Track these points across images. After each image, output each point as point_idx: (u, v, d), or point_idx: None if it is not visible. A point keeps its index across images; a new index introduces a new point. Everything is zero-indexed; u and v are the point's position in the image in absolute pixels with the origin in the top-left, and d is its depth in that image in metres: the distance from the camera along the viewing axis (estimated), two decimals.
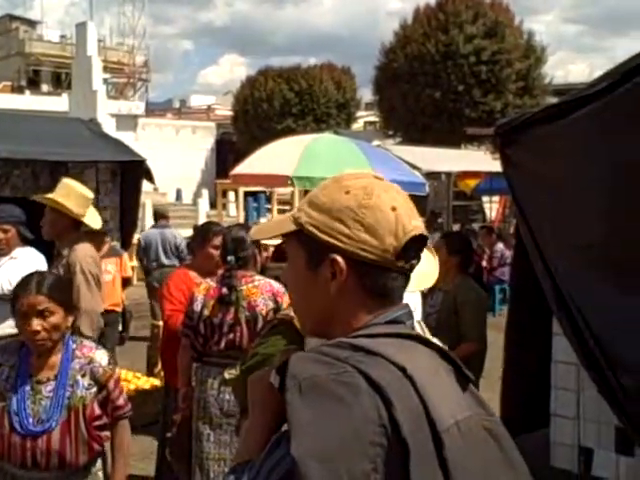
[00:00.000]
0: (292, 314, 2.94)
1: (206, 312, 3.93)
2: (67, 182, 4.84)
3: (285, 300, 3.97)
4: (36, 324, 2.68)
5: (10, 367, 2.79)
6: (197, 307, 3.95)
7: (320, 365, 1.20)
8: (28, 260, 5.01)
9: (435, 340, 1.42)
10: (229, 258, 3.98)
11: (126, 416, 3.06)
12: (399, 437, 1.14)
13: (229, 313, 3.93)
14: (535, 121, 3.13)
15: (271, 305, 3.96)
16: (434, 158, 15.49)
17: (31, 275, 2.85)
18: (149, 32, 39.73)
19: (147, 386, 6.54)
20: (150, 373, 7.01)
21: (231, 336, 3.94)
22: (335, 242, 1.32)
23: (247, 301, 3.94)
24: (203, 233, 4.83)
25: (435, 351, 1.31)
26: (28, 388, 2.75)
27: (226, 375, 3.87)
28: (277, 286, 4.05)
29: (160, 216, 9.61)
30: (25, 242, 5.02)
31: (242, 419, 3.05)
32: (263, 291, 3.99)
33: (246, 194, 19.17)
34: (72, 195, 4.65)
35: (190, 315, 3.98)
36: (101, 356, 2.87)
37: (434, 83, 26.24)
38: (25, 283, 2.78)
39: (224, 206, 20.89)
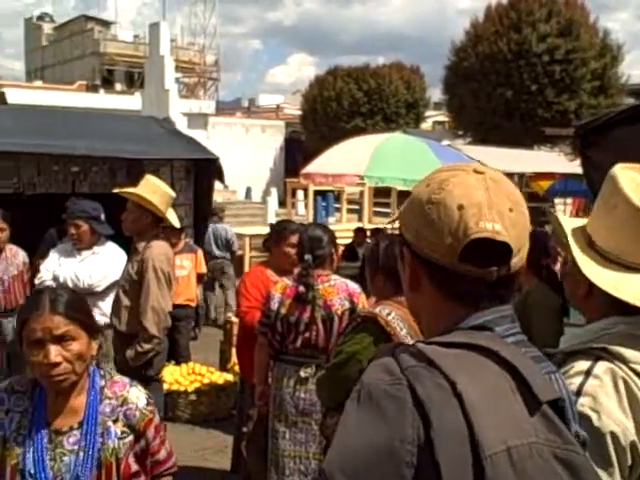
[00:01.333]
0: (375, 311, 2.93)
1: (283, 310, 3.93)
2: (152, 179, 4.85)
3: (361, 300, 3.98)
4: (55, 354, 2.06)
5: (21, 414, 2.17)
6: (274, 305, 3.96)
7: (383, 374, 1.17)
8: (109, 255, 5.13)
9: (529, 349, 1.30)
10: (306, 257, 3.98)
11: (170, 473, 2.40)
12: (433, 459, 1.08)
13: (305, 312, 3.93)
14: (616, 122, 3.04)
15: (347, 305, 3.95)
16: (506, 158, 15.24)
17: (41, 292, 2.21)
18: (219, 32, 40.13)
19: (221, 381, 6.60)
20: (223, 368, 7.07)
21: (307, 335, 3.94)
22: (408, 236, 1.30)
23: (323, 300, 3.94)
24: (279, 231, 4.84)
25: (506, 369, 1.19)
26: (45, 440, 2.13)
27: (302, 374, 3.89)
28: (353, 286, 4.03)
29: (214, 213, 9.94)
30: (107, 238, 5.13)
31: (327, 417, 3.06)
32: (339, 291, 3.98)
33: (315, 193, 19.21)
34: (158, 192, 4.67)
35: (267, 313, 3.99)
36: (137, 395, 2.26)
37: (506, 82, 25.86)
38: (35, 302, 2.14)
39: (293, 205, 21.01)
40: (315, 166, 9.11)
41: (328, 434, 3.03)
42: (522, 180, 15.49)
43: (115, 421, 2.19)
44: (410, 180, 7.95)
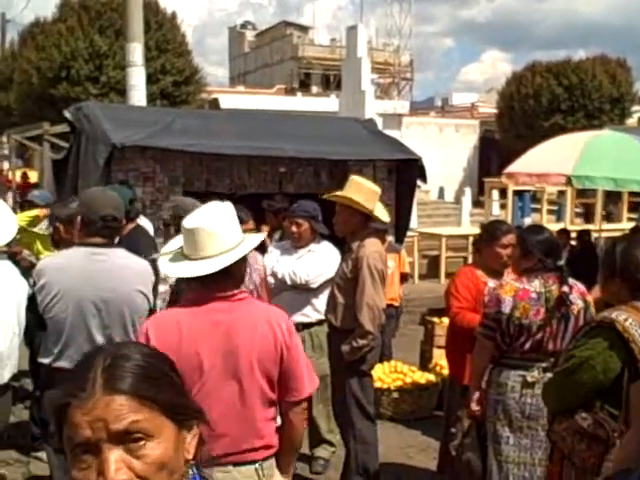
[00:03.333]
0: (612, 316, 2.82)
1: (517, 313, 3.88)
2: (356, 179, 4.98)
3: (589, 300, 3.98)
4: (116, 466, 1.16)
5: None
6: (505, 309, 3.90)
7: None
8: (325, 253, 5.31)
9: None
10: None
11: None
12: None
13: (539, 314, 3.88)
14: None
15: (581, 304, 3.93)
16: None
17: (92, 355, 1.29)
18: (413, 32, 40.21)
19: (423, 380, 6.62)
20: (424, 367, 7.09)
21: (538, 337, 3.89)
22: None
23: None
24: (491, 232, 4.79)
25: None
26: None
27: (528, 378, 3.83)
28: (580, 285, 4.04)
29: None
30: (322, 237, 5.31)
31: (555, 423, 2.98)
32: (572, 291, 3.94)
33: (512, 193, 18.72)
34: (362, 191, 4.78)
35: (496, 317, 3.94)
36: None
37: None
38: (79, 373, 1.26)
39: (488, 205, 20.60)
40: (518, 165, 8.88)
41: (555, 440, 2.96)
42: None
43: None
44: (622, 180, 7.54)
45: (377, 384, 6.43)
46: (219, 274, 2.64)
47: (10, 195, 18.39)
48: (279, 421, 2.91)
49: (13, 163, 18.57)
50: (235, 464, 2.72)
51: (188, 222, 2.71)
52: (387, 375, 6.67)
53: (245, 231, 2.87)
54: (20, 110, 23.67)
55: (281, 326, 2.76)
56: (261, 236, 2.96)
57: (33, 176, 19.07)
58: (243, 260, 2.75)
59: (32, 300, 3.62)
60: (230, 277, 2.70)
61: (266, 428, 2.80)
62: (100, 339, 3.59)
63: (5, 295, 3.44)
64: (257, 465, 2.77)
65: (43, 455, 5.46)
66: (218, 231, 2.66)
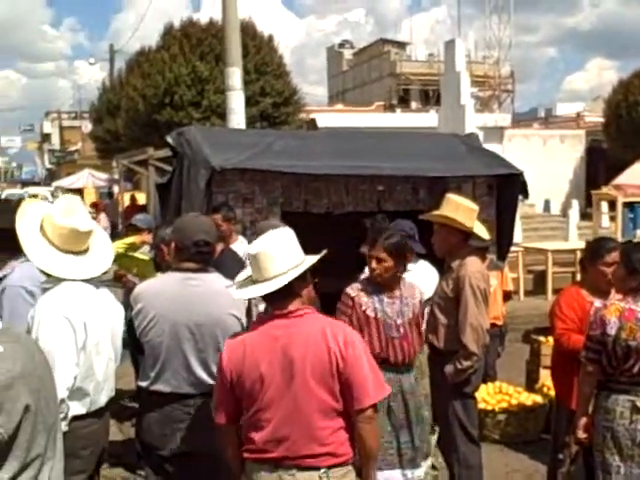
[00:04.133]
0: None
1: (623, 335, 3.70)
2: (452, 197, 4.91)
3: None
4: None
5: None
6: (611, 330, 3.72)
7: None
8: (422, 273, 5.22)
9: None
10: None
11: None
12: None
13: None
14: None
15: None
16: None
17: None
18: (514, 42, 39.39)
19: (529, 402, 6.40)
20: (530, 389, 6.85)
21: None
22: None
23: None
24: (595, 249, 4.60)
25: None
26: None
27: (638, 403, 3.63)
28: None
29: None
30: (419, 256, 5.22)
31: None
32: None
33: (622, 205, 18.00)
34: (460, 209, 4.71)
35: (601, 339, 3.76)
36: None
37: None
38: None
39: (597, 217, 19.88)
40: (627, 176, 8.54)
41: None
42: None
43: None
44: None
45: (481, 405, 6.26)
46: (278, 294, 2.95)
47: (103, 217, 19.13)
48: None
49: (122, 187, 19.30)
50: (299, 468, 2.94)
51: (251, 248, 3.06)
52: (492, 396, 6.48)
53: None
54: (128, 135, 24.64)
55: (337, 339, 2.95)
56: (314, 258, 3.11)
57: (141, 198, 19.77)
58: (303, 280, 3.01)
59: (131, 324, 3.70)
60: (289, 296, 2.98)
61: (330, 437, 2.97)
62: (195, 363, 3.64)
63: (102, 322, 3.52)
64: (321, 472, 2.94)
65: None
66: (275, 255, 2.96)
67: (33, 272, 3.55)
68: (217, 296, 3.67)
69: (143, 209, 16.32)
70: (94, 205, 20.36)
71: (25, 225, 3.43)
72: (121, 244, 6.08)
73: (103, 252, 3.63)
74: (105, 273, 3.71)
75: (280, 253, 2.97)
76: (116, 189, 24.63)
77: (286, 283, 2.93)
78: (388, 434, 4.19)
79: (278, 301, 3.00)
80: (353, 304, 4.30)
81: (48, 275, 3.44)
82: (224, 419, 3.10)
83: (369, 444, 3.03)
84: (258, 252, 3.00)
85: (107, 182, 27.84)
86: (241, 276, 3.27)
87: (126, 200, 20.82)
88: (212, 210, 6.19)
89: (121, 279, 6.03)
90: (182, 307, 3.63)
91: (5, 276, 3.97)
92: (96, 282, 3.61)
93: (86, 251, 3.50)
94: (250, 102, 16.58)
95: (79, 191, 30.05)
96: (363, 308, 4.27)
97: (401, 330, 4.27)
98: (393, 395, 4.09)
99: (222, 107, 20.38)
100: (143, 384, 3.77)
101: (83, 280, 3.46)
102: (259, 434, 2.98)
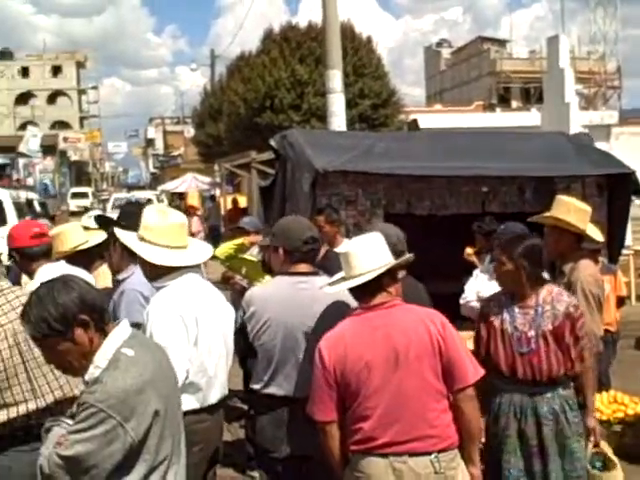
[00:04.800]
0: None
1: None
2: (563, 198, 4.78)
3: None
4: None
5: None
6: None
7: None
8: None
9: None
10: None
11: None
12: None
13: None
14: None
15: None
16: None
17: None
18: (620, 36, 38.08)
19: None
20: None
21: None
22: None
23: None
24: None
25: None
26: None
27: None
28: None
29: None
30: None
31: None
32: None
33: None
34: (572, 210, 4.57)
35: None
36: None
37: None
38: None
39: None
40: None
41: None
42: None
43: None
44: None
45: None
46: (367, 289, 3.17)
47: (195, 220, 19.42)
48: None
49: (224, 190, 19.66)
50: (410, 454, 3.02)
51: (341, 248, 3.43)
52: (606, 406, 6.22)
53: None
54: (229, 139, 25.15)
55: (434, 322, 3.13)
56: (405, 257, 3.45)
57: (242, 201, 20.10)
58: (392, 278, 3.23)
59: (243, 328, 3.75)
60: (378, 291, 3.18)
61: (437, 419, 3.07)
62: (308, 367, 3.65)
63: (214, 318, 3.60)
64: (432, 457, 3.02)
65: (257, 474, 5.66)
66: (362, 254, 3.20)
67: None
68: (327, 299, 3.67)
69: (245, 212, 16.59)
70: (187, 210, 20.72)
71: (127, 235, 3.62)
72: (231, 245, 6.17)
73: (201, 245, 3.79)
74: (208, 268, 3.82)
75: (367, 253, 3.20)
76: (217, 192, 25.18)
77: (373, 278, 3.13)
78: (517, 459, 3.89)
79: (367, 296, 3.20)
80: (481, 314, 4.15)
81: (157, 276, 3.53)
82: (328, 416, 3.15)
83: (473, 424, 3.12)
84: (347, 251, 3.27)
85: (210, 185, 28.52)
86: (336, 276, 3.45)
87: (228, 203, 21.24)
88: (316, 212, 6.21)
89: (229, 281, 6.12)
90: (294, 311, 3.66)
91: (125, 279, 4.11)
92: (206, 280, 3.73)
93: (186, 246, 3.60)
94: (349, 104, 16.60)
95: (181, 195, 30.90)
96: (491, 319, 4.01)
97: (532, 344, 3.87)
98: (524, 417, 3.86)
99: (322, 110, 20.52)
100: (256, 387, 3.80)
101: (193, 271, 3.58)
102: (367, 423, 3.05)
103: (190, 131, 48.00)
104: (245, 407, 6.15)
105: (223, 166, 19.21)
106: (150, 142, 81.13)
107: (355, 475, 3.09)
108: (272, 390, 3.71)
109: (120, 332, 2.44)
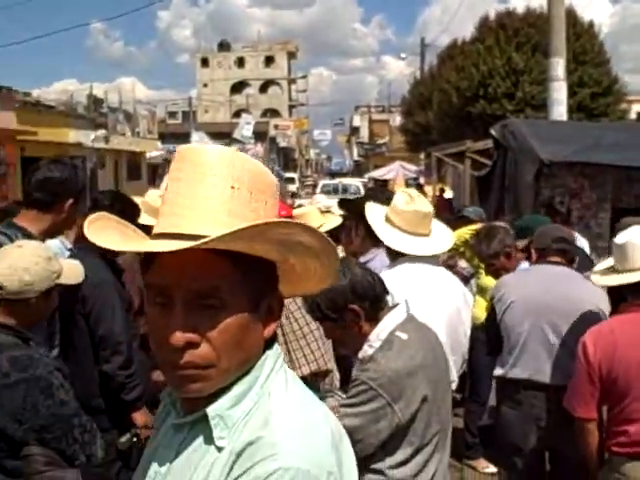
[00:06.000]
0: None
1: None
2: None
3: None
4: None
5: None
6: None
7: None
8: None
9: None
10: None
11: None
12: None
13: None
14: None
15: None
16: None
17: None
18: None
19: None
20: None
21: None
22: None
23: None
24: None
25: None
26: None
27: None
28: None
29: None
30: None
31: None
32: None
33: None
34: None
35: None
36: None
37: None
38: None
39: None
40: None
41: None
42: None
43: None
44: None
45: None
46: None
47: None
48: None
49: (434, 179, 19.60)
50: None
51: (618, 238, 3.12)
52: None
53: None
54: (438, 128, 24.99)
55: None
56: None
57: (448, 191, 19.94)
58: None
59: (492, 310, 3.81)
60: None
61: None
62: (557, 350, 3.58)
63: (437, 301, 3.51)
64: None
65: (476, 464, 5.62)
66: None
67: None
68: (580, 286, 3.63)
69: (450, 203, 16.48)
70: None
71: (374, 217, 3.65)
72: (467, 230, 6.11)
73: (444, 234, 3.73)
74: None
75: None
76: (421, 181, 25.14)
77: None
78: None
79: None
80: None
81: (395, 258, 3.58)
82: (590, 413, 3.04)
83: None
84: (626, 242, 3.06)
85: (416, 174, 28.54)
86: (600, 265, 3.32)
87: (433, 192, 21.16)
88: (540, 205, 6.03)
89: (452, 268, 6.10)
90: (545, 296, 3.63)
91: (366, 262, 4.20)
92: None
93: (429, 234, 3.60)
94: (568, 93, 15.93)
95: (385, 182, 31.19)
96: None
97: None
98: None
99: (537, 98, 19.85)
100: (499, 372, 3.79)
101: (427, 257, 3.54)
102: (634, 426, 2.91)
103: (396, 120, 48.28)
104: (458, 396, 6.12)
105: (433, 155, 19.15)
106: (355, 130, 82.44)
107: (616, 477, 2.98)
108: (516, 372, 3.67)
109: (395, 316, 2.45)
